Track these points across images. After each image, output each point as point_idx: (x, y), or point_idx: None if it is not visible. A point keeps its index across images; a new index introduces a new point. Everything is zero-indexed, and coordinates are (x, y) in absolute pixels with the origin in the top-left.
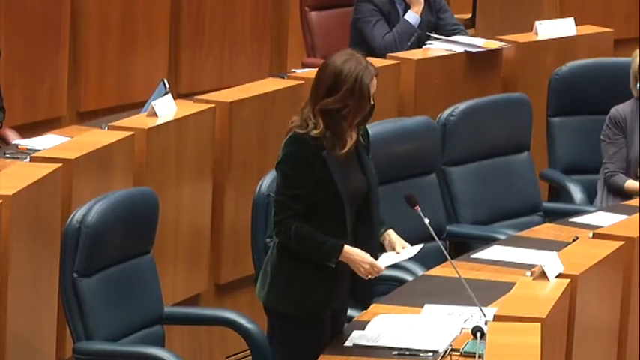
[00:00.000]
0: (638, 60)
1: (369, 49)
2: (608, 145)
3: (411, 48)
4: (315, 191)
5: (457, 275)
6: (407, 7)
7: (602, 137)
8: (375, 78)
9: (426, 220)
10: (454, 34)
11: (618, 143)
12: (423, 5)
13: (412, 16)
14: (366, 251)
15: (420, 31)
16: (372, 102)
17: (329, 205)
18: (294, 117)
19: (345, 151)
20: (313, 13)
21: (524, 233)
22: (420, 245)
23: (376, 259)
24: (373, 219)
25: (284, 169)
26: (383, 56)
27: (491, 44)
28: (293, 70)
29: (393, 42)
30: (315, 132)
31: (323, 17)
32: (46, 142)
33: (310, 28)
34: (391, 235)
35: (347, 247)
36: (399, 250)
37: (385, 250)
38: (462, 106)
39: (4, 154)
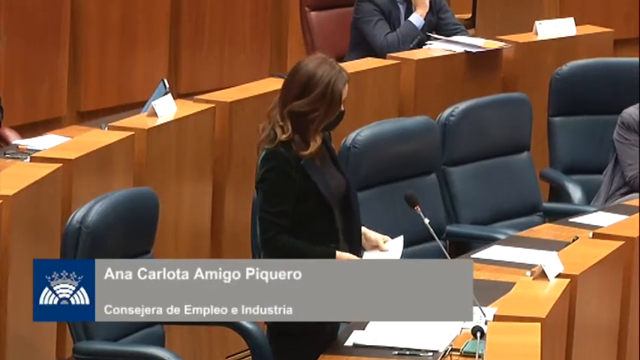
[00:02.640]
0: None
1: (369, 48)
2: (629, 147)
3: (411, 49)
4: (300, 203)
5: None
6: (408, 7)
7: (618, 139)
8: (347, 85)
9: (426, 220)
10: (455, 34)
11: (638, 146)
12: (428, 8)
13: (417, 19)
14: (352, 248)
15: (422, 33)
16: (342, 108)
17: (317, 214)
18: (262, 124)
19: (307, 153)
20: (313, 13)
21: (524, 233)
22: (401, 237)
23: (359, 256)
24: (355, 215)
25: (264, 187)
26: (383, 56)
27: (491, 44)
28: None
29: (396, 42)
30: (284, 136)
31: (323, 17)
32: (46, 142)
33: (310, 28)
34: (367, 232)
35: (339, 253)
36: (384, 247)
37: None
38: (462, 106)
39: (4, 154)
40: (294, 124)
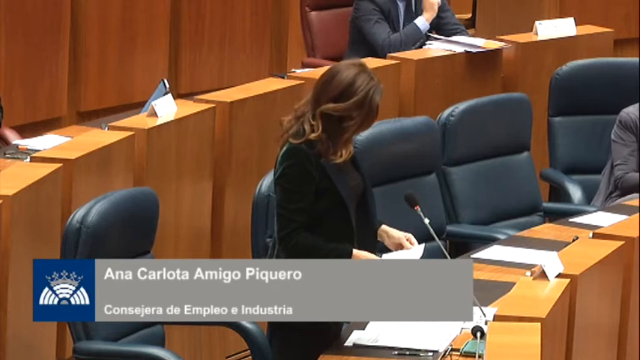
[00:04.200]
0: None
1: (368, 47)
2: (622, 147)
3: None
4: (318, 201)
5: None
6: (407, 6)
7: (613, 138)
8: None
9: (426, 220)
10: (455, 34)
11: (632, 146)
12: (435, 13)
13: (422, 23)
14: (368, 247)
15: (424, 37)
16: None
17: (333, 212)
18: (287, 117)
19: (338, 161)
20: (313, 13)
21: (524, 233)
22: (422, 245)
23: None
24: (371, 215)
25: (284, 183)
26: (384, 55)
27: (491, 44)
28: (293, 70)
29: (398, 43)
30: (313, 135)
31: (323, 17)
32: (46, 142)
33: (310, 28)
34: (389, 231)
35: (355, 251)
36: (408, 245)
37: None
38: (462, 106)
39: (4, 154)
40: (324, 126)
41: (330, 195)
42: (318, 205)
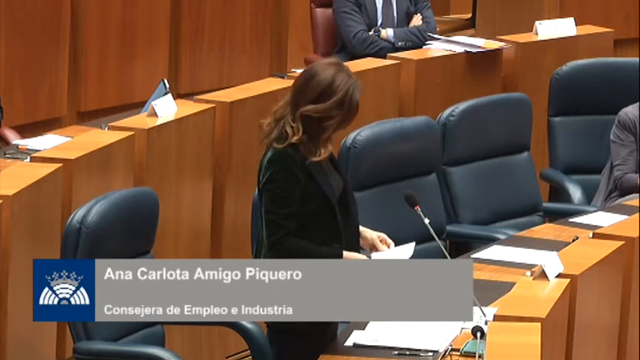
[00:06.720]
0: None
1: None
2: (621, 147)
3: (408, 48)
4: (305, 204)
5: None
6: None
7: (612, 138)
8: None
9: (426, 220)
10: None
11: (631, 146)
12: None
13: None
14: (351, 248)
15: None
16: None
17: (321, 215)
18: (266, 120)
19: (317, 159)
20: (318, 10)
21: (524, 233)
22: (412, 244)
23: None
24: (352, 215)
25: (272, 188)
26: (354, 51)
27: (491, 44)
28: (293, 70)
29: (363, 42)
30: (295, 138)
31: (328, 14)
32: (46, 142)
33: (314, 24)
34: (363, 232)
35: (345, 253)
36: (381, 247)
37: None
38: (462, 106)
39: (4, 154)
40: (305, 127)
41: (317, 197)
42: (306, 208)
